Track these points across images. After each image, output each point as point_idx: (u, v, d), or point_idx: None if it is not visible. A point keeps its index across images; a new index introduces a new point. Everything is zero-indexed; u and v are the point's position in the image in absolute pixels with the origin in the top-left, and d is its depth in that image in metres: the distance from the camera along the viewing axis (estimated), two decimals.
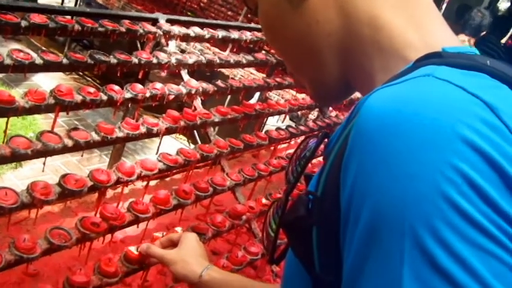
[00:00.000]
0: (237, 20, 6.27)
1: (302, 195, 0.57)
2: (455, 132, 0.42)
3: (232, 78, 4.62)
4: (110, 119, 4.02)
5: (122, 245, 2.04)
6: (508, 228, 0.41)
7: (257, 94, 4.71)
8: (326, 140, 0.66)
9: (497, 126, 0.43)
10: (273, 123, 5.16)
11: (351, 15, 0.62)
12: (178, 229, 1.41)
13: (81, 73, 6.63)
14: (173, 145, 5.04)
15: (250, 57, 2.59)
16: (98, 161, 4.22)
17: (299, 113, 5.26)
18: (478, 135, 0.42)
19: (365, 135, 0.46)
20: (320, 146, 0.67)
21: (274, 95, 4.92)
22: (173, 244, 1.23)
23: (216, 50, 5.23)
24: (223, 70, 5.13)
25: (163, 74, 6.14)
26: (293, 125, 2.74)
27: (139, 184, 2.26)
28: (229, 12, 6.88)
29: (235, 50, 2.68)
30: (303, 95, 4.50)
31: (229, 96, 4.80)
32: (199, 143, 2.07)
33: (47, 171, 3.70)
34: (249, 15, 6.36)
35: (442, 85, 0.46)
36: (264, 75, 3.63)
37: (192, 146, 4.16)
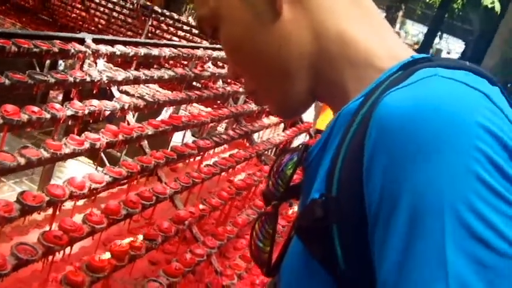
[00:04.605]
0: None
1: (314, 199, 0.59)
2: (474, 121, 0.49)
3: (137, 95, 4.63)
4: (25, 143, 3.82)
5: (63, 264, 2.04)
6: None
7: (165, 110, 4.79)
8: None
9: (497, 111, 0.52)
10: (176, 140, 5.20)
11: (321, 35, 0.64)
12: None
13: None
14: (81, 169, 4.87)
15: (171, 72, 2.70)
16: (6, 190, 4.01)
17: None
18: (489, 121, 0.50)
19: (392, 132, 0.51)
20: (303, 157, 0.69)
21: (182, 111, 5.02)
22: None
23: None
24: (127, 88, 5.14)
25: (59, 97, 5.97)
26: (193, 139, 2.85)
27: (69, 204, 2.27)
28: (129, 33, 6.75)
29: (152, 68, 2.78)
30: (209, 109, 4.65)
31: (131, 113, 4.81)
32: (108, 165, 2.11)
33: None
34: (149, 35, 6.38)
35: (450, 82, 0.53)
36: (169, 92, 3.74)
37: (100, 168, 4.08)
